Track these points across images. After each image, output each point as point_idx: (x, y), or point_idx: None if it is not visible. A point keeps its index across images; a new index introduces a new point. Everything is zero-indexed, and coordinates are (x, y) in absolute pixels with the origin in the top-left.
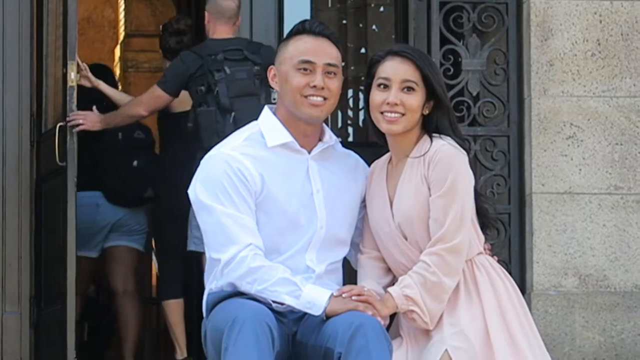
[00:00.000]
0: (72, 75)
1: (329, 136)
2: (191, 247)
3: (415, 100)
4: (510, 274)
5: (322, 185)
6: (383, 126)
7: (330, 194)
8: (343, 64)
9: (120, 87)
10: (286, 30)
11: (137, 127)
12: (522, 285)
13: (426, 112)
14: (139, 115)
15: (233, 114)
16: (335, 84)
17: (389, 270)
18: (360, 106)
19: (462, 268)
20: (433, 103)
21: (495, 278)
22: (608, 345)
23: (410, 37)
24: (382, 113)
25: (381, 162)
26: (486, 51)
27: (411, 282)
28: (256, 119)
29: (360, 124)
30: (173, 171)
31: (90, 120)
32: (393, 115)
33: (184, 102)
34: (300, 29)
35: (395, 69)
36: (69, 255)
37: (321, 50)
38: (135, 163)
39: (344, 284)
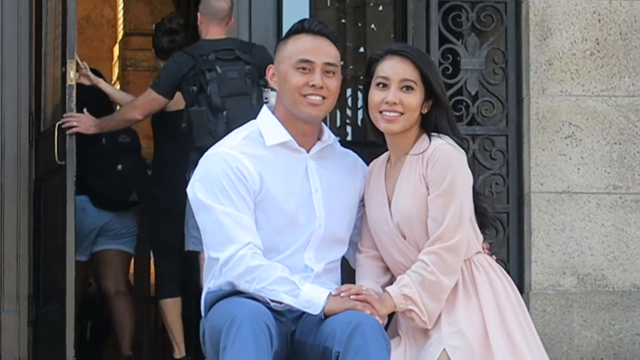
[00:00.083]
0: (72, 74)
1: (328, 135)
2: (189, 247)
3: (414, 99)
4: (508, 273)
5: (321, 184)
6: (382, 125)
7: (328, 193)
8: (342, 63)
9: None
10: (285, 29)
11: (123, 130)
12: (521, 284)
13: (425, 111)
14: (134, 119)
15: (225, 113)
16: (334, 83)
17: (387, 269)
18: (359, 105)
19: (461, 267)
20: (432, 102)
21: (493, 277)
22: (606, 344)
23: (409, 36)
24: (380, 112)
25: (380, 161)
26: (485, 50)
27: (409, 282)
28: (248, 118)
29: (359, 123)
30: (170, 170)
31: (84, 123)
32: (392, 114)
33: (178, 101)
34: (299, 28)
35: (394, 68)
36: (68, 254)
37: (320, 50)
38: (119, 167)
39: (342, 283)
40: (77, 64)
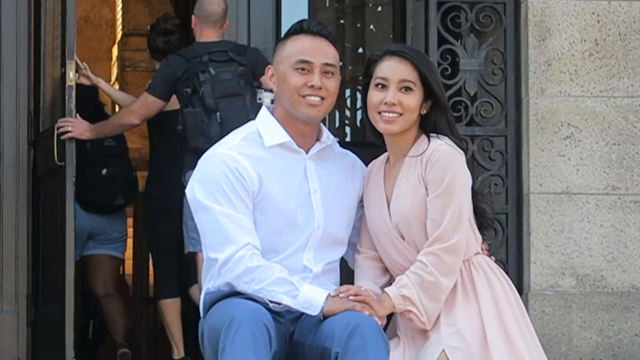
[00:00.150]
0: (71, 74)
1: (327, 136)
2: (189, 248)
3: (413, 100)
4: (507, 274)
5: (320, 185)
6: (380, 126)
7: (327, 193)
8: (341, 63)
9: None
10: (284, 29)
11: None
12: (520, 285)
13: (424, 112)
14: (131, 124)
15: (218, 114)
16: (332, 84)
17: (386, 270)
18: (358, 106)
19: (460, 268)
20: (431, 103)
21: (492, 278)
22: (605, 345)
23: (407, 37)
24: (379, 113)
25: (379, 162)
26: (484, 51)
27: (408, 282)
28: (242, 119)
29: (358, 123)
30: (169, 170)
31: (78, 128)
32: (391, 115)
33: (174, 101)
34: (298, 29)
35: (393, 69)
36: (67, 254)
37: (319, 50)
38: (104, 171)
39: (341, 284)
40: (77, 64)
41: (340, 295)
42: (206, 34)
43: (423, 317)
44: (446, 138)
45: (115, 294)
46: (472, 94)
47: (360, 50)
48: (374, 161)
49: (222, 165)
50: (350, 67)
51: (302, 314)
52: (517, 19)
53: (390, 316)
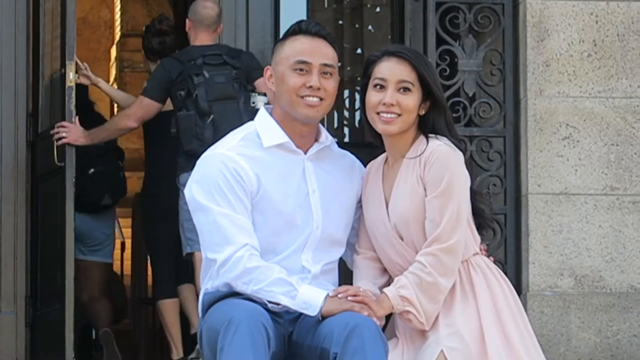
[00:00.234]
0: (71, 75)
1: (325, 137)
2: (187, 249)
3: (412, 100)
4: (506, 274)
5: (318, 186)
6: (379, 127)
7: (326, 194)
8: (339, 64)
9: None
10: (282, 30)
11: None
12: (518, 285)
13: (422, 112)
14: (128, 128)
15: (212, 117)
16: (331, 85)
17: (384, 270)
18: (356, 107)
19: (458, 269)
20: (429, 103)
21: (491, 279)
22: (604, 346)
23: (406, 37)
24: (378, 113)
25: (377, 162)
26: (482, 52)
27: (407, 283)
28: (235, 122)
29: (356, 124)
30: (168, 170)
31: (73, 134)
32: (389, 115)
33: (170, 102)
34: (297, 30)
35: (391, 70)
36: (67, 254)
37: (317, 51)
38: (91, 171)
39: (339, 285)
40: (77, 64)
41: (339, 296)
42: (200, 38)
43: (422, 317)
44: (445, 138)
45: (100, 297)
46: (470, 94)
47: (359, 50)
48: (372, 162)
49: (220, 166)
50: (348, 68)
51: (301, 314)
52: (515, 20)
53: (389, 317)
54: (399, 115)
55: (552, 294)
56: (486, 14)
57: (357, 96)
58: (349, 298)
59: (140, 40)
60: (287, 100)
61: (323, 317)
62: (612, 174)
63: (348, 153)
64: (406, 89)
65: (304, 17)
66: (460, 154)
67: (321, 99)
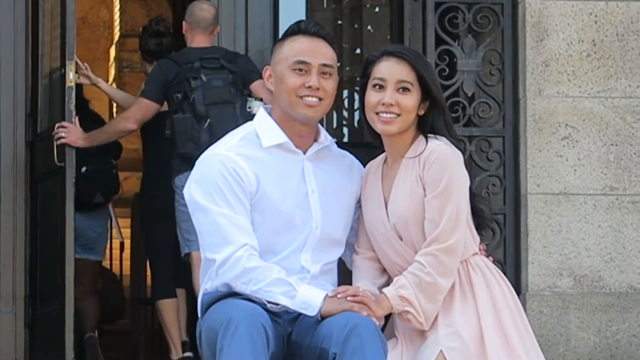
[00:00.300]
0: (71, 75)
1: (324, 137)
2: (185, 250)
3: (411, 100)
4: (505, 274)
5: (318, 186)
6: (378, 127)
7: (325, 194)
8: (338, 64)
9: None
10: (281, 30)
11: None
12: (517, 285)
13: (421, 112)
14: (127, 130)
15: (208, 121)
16: (330, 85)
17: (384, 270)
18: (356, 107)
19: (457, 269)
20: (428, 104)
21: (490, 279)
22: (603, 346)
23: (405, 37)
24: (377, 114)
25: (376, 162)
26: (481, 52)
27: (406, 283)
28: (231, 127)
29: (356, 124)
30: (165, 172)
31: (73, 135)
32: (388, 115)
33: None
34: (296, 30)
35: (390, 70)
36: (67, 253)
37: (316, 51)
38: (83, 169)
39: (339, 285)
40: (77, 64)
41: (338, 296)
42: (197, 40)
43: (421, 317)
44: (444, 138)
45: (89, 295)
46: (469, 94)
47: (358, 51)
48: (371, 162)
49: (219, 166)
50: (347, 68)
51: (300, 314)
52: (514, 20)
53: (388, 317)
54: (398, 115)
55: (552, 294)
56: (485, 14)
57: (357, 96)
58: (348, 298)
59: (139, 40)
60: (286, 101)
61: (322, 317)
62: (611, 174)
63: (347, 153)
64: (405, 89)
65: (303, 17)
66: (460, 154)
67: (320, 99)
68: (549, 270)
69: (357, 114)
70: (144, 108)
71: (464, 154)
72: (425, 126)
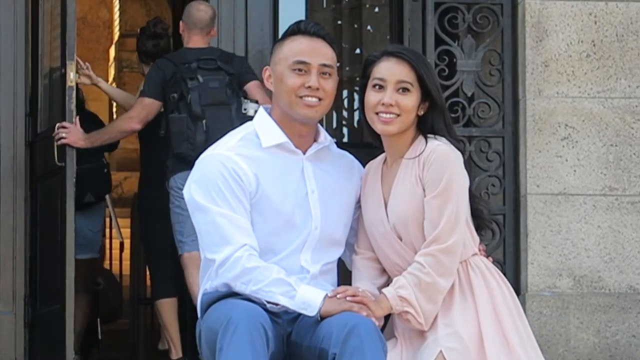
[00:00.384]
0: (71, 75)
1: (324, 137)
2: (179, 251)
3: (410, 101)
4: (504, 275)
5: (317, 186)
6: (378, 127)
7: (325, 194)
8: (338, 64)
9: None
10: (281, 30)
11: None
12: (517, 286)
13: (421, 112)
14: (132, 129)
15: (204, 122)
16: (330, 85)
17: (383, 271)
18: (355, 107)
19: (457, 269)
20: (428, 104)
21: (489, 279)
22: (602, 346)
23: (405, 37)
24: (377, 114)
25: (376, 162)
26: (481, 52)
27: (405, 283)
28: (227, 128)
29: (355, 124)
30: (163, 172)
31: (73, 135)
32: (388, 116)
33: None
34: (296, 30)
35: (390, 70)
36: (68, 253)
37: (316, 51)
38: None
39: (338, 285)
40: (79, 64)
41: (338, 296)
42: (194, 40)
43: (420, 318)
44: (443, 139)
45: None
46: (469, 94)
47: (358, 51)
48: (371, 162)
49: (219, 166)
50: (347, 68)
51: (300, 314)
52: (514, 20)
53: (387, 317)
54: (398, 115)
55: (551, 294)
56: (485, 14)
57: (356, 96)
58: (347, 298)
59: (136, 41)
60: (286, 101)
61: (322, 317)
62: (610, 174)
63: (347, 153)
64: (405, 89)
65: (303, 17)
66: (459, 154)
67: (320, 99)
68: (549, 271)
69: (356, 114)
70: (147, 107)
71: (463, 154)
72: (424, 126)
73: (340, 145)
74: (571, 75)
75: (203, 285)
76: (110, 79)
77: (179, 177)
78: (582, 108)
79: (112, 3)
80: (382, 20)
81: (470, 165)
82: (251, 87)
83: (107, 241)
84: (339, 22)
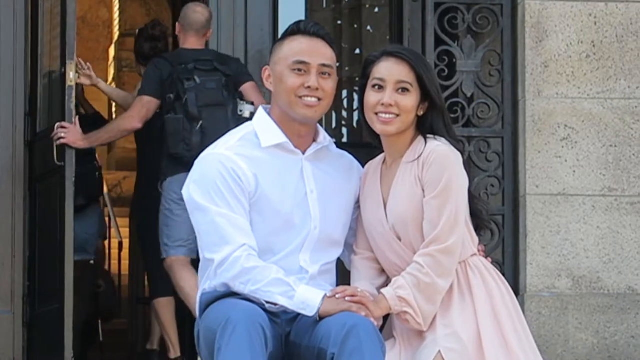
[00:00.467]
0: (71, 74)
1: (324, 137)
2: (162, 255)
3: (410, 101)
4: (503, 275)
5: (316, 186)
6: (377, 127)
7: (324, 194)
8: (338, 64)
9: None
10: (281, 30)
11: None
12: (516, 286)
13: (421, 113)
14: (133, 128)
15: (200, 123)
16: (329, 85)
17: (382, 271)
18: (355, 107)
19: (456, 269)
20: (428, 104)
21: (488, 280)
22: (601, 347)
23: (404, 38)
24: (376, 114)
25: (375, 162)
26: (481, 52)
27: (404, 284)
28: (223, 129)
29: (355, 124)
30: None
31: (72, 135)
32: (387, 116)
33: None
34: (295, 30)
35: (390, 70)
36: (67, 253)
37: (316, 51)
38: None
39: (337, 285)
40: (80, 63)
41: (337, 296)
42: (190, 42)
43: (419, 318)
44: (443, 139)
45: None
46: (469, 95)
47: (357, 51)
48: (370, 162)
49: (218, 166)
50: (347, 68)
51: (299, 314)
52: (514, 21)
53: (386, 317)
54: (398, 115)
55: (550, 295)
56: (485, 15)
57: (356, 96)
58: (346, 298)
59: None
60: (285, 101)
61: (321, 317)
62: (610, 175)
63: (346, 153)
64: (405, 90)
65: (303, 17)
66: (459, 154)
67: (319, 99)
68: (548, 271)
69: (356, 114)
70: (147, 105)
71: (463, 154)
72: (424, 127)
73: (339, 145)
74: (571, 75)
75: (202, 285)
76: (110, 78)
77: (172, 180)
78: (582, 109)
79: (112, 3)
80: (382, 21)
81: (469, 165)
82: (247, 88)
83: (107, 242)
84: (339, 22)
